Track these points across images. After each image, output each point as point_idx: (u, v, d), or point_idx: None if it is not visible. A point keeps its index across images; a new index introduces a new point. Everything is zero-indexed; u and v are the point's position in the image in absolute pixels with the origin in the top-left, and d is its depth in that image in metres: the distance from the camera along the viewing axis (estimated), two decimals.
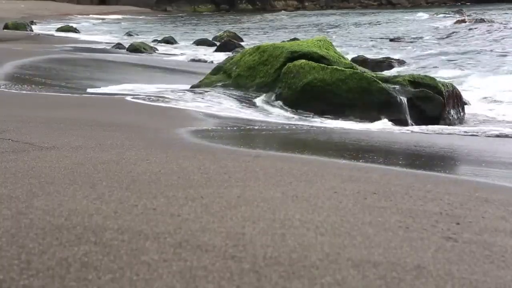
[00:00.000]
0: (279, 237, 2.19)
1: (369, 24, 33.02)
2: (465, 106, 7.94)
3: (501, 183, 3.72)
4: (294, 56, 7.97)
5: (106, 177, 3.01)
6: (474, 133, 6.35)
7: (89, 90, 8.43)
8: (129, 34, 25.73)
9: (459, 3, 58.39)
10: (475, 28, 23.31)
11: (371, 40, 22.48)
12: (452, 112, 7.50)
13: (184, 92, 8.11)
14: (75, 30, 27.15)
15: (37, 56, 12.10)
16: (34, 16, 39.88)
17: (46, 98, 6.99)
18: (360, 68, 8.25)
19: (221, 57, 14.96)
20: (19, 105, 6.17)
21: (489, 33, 21.85)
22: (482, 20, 26.56)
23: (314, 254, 2.03)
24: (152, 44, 19.38)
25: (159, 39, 22.89)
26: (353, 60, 11.54)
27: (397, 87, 7.33)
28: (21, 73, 9.52)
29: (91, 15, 48.09)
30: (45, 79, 9.26)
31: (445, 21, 29.33)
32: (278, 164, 3.61)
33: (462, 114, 7.75)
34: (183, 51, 18.75)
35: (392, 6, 60.58)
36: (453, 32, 23.24)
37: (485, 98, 9.52)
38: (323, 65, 7.57)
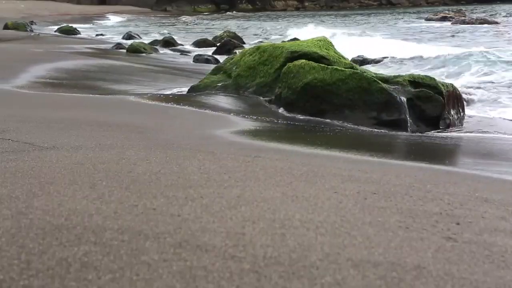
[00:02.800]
0: (279, 237, 2.19)
1: (369, 24, 33.02)
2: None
3: (501, 182, 3.72)
4: (294, 56, 7.96)
5: (106, 177, 3.01)
6: None
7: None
8: (129, 34, 25.72)
9: (461, 3, 58.26)
10: (476, 30, 23.31)
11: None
12: (452, 112, 7.49)
13: (184, 93, 8.12)
14: (74, 31, 27.13)
15: (63, 61, 11.97)
16: (34, 16, 39.86)
17: (47, 98, 6.99)
18: (360, 68, 8.24)
19: (221, 57, 14.96)
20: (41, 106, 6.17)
21: (487, 33, 21.86)
22: (484, 21, 26.38)
23: (314, 254, 2.03)
24: (152, 45, 19.35)
25: (159, 39, 22.87)
26: (353, 60, 11.54)
27: (397, 87, 7.32)
28: (55, 77, 9.44)
29: (92, 15, 48.07)
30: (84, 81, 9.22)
31: (444, 22, 29.28)
32: (278, 164, 3.61)
33: (462, 114, 7.74)
34: (183, 52, 18.73)
35: (392, 6, 60.58)
36: (452, 32, 23.25)
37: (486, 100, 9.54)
38: (323, 65, 7.56)
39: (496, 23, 26.31)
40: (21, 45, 16.03)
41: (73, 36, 25.27)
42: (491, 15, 34.52)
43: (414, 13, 44.63)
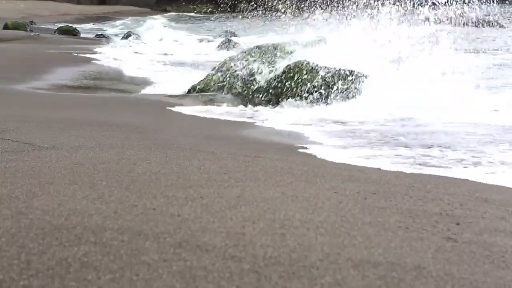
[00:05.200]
0: (279, 237, 2.19)
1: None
2: None
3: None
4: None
5: (106, 177, 3.01)
6: None
7: None
8: (128, 34, 25.69)
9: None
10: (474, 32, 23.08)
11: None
12: None
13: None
14: (74, 31, 27.09)
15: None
16: (34, 16, 39.81)
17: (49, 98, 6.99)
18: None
19: (222, 55, 14.93)
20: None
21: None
22: (484, 23, 25.96)
23: (314, 254, 2.03)
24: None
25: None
26: None
27: None
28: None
29: (92, 15, 48.01)
30: None
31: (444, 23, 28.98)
32: (278, 164, 3.61)
33: None
34: (186, 51, 18.72)
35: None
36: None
37: None
38: (323, 65, 7.56)
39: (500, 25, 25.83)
40: (21, 45, 16.03)
41: (73, 36, 25.22)
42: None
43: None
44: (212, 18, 43.74)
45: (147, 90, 8.68)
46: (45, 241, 2.02)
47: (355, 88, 7.17)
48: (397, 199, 2.88)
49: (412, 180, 3.40)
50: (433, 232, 2.37)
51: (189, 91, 8.51)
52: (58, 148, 3.74)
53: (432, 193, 3.07)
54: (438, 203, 2.87)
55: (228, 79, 8.07)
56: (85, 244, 2.02)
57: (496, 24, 24.14)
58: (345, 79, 7.25)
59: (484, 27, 22.98)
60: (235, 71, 8.05)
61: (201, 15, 51.37)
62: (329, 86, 7.23)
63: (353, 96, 7.11)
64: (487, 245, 2.28)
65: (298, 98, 7.28)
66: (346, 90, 7.17)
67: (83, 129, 4.60)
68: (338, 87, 7.18)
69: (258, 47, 8.66)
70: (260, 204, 2.62)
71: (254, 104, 7.47)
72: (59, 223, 2.21)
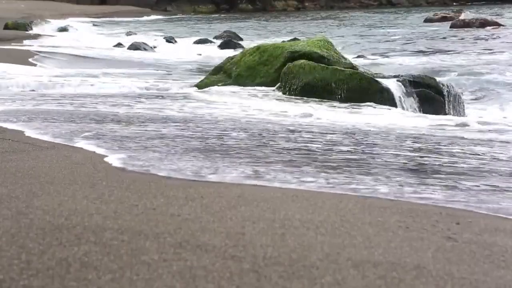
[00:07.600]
0: (279, 237, 2.19)
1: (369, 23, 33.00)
2: None
3: None
4: (294, 56, 7.96)
5: (106, 177, 3.01)
6: None
7: None
8: (128, 34, 25.72)
9: (461, 3, 58.09)
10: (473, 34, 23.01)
11: (371, 41, 22.46)
12: (452, 112, 7.50)
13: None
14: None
15: None
16: (34, 16, 39.83)
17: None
18: (360, 68, 8.25)
19: (222, 54, 14.95)
20: None
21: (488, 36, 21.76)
22: (485, 22, 25.77)
23: (314, 254, 2.03)
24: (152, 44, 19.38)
25: (158, 38, 22.95)
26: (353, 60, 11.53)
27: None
28: None
29: (91, 15, 48.00)
30: None
31: (444, 23, 28.83)
32: None
33: (462, 114, 7.74)
34: (185, 50, 18.75)
35: (392, 6, 60.46)
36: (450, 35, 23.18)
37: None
38: (323, 65, 7.57)
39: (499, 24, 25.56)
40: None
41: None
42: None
43: (414, 13, 44.49)
44: (211, 18, 43.79)
45: None
46: (45, 241, 2.02)
47: None
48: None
49: None
50: (433, 232, 2.37)
51: None
52: (58, 148, 3.74)
53: None
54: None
55: None
56: (85, 244, 2.02)
57: None
58: None
59: None
60: None
61: (201, 15, 51.46)
62: None
63: None
64: (487, 245, 2.28)
65: None
66: None
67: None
68: None
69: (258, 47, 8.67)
70: (260, 204, 2.62)
71: None
72: (59, 223, 2.21)
